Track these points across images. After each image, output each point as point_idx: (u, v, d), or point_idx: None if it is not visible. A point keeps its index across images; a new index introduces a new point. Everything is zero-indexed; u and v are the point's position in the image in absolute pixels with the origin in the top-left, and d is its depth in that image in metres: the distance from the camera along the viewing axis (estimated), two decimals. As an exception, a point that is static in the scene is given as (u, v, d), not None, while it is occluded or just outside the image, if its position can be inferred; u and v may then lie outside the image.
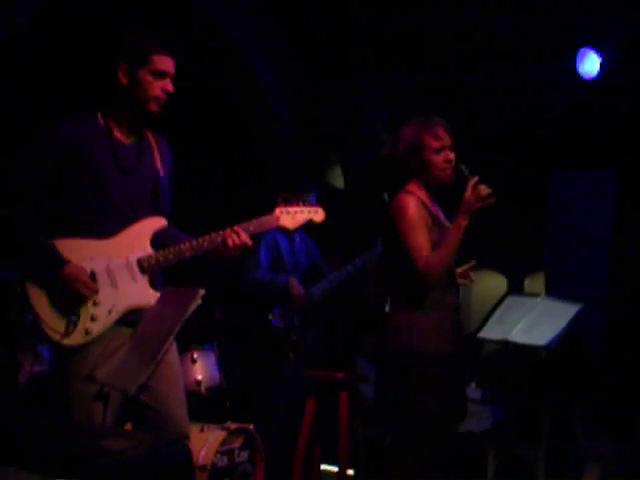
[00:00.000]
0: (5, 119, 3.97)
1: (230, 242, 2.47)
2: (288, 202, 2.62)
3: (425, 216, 2.68)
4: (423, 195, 2.73)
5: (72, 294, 2.34)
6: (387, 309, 2.78)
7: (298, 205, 2.63)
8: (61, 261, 2.33)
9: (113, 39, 2.49)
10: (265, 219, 2.57)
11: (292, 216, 2.60)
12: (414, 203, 2.67)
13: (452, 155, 2.73)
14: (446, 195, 2.81)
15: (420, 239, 2.63)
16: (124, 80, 2.43)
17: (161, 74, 2.44)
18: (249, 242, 2.50)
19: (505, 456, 4.06)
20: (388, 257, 2.78)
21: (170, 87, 2.45)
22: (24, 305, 2.36)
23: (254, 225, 2.54)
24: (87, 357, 2.34)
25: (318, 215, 2.66)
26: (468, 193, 2.63)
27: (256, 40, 5.30)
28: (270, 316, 4.05)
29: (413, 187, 2.73)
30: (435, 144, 2.71)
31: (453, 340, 2.70)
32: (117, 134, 2.47)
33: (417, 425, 2.68)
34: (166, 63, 2.44)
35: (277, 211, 2.59)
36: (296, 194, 3.94)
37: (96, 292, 2.36)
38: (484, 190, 2.62)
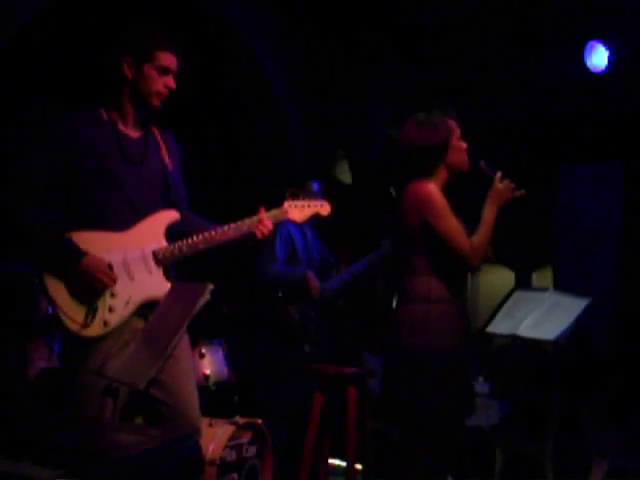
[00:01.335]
0: (9, 115, 3.99)
1: (259, 234, 2.54)
2: (296, 196, 2.66)
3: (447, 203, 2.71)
4: (441, 184, 2.75)
5: (92, 285, 2.36)
6: (395, 303, 2.78)
7: (305, 199, 2.71)
8: (78, 253, 2.35)
9: (118, 33, 2.51)
10: (274, 212, 2.62)
11: (300, 210, 2.67)
12: (437, 191, 2.70)
13: (465, 144, 2.80)
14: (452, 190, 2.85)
15: (456, 224, 2.67)
16: (129, 74, 2.45)
17: (165, 70, 2.47)
18: (271, 229, 2.58)
19: (513, 451, 4.06)
20: (405, 248, 2.75)
21: (172, 83, 2.49)
22: (42, 296, 2.37)
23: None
24: (97, 351, 2.35)
25: (324, 209, 2.73)
26: (499, 184, 2.72)
27: (263, 36, 5.30)
28: (290, 309, 4.06)
29: (434, 176, 2.74)
30: (458, 130, 2.78)
31: (463, 334, 2.72)
32: (122, 127, 2.50)
33: (428, 420, 2.67)
34: (170, 59, 2.48)
35: (286, 205, 2.66)
36: (301, 187, 3.99)
37: (115, 281, 2.38)
38: (511, 185, 2.72)
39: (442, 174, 2.76)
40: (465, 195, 2.73)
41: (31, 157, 2.40)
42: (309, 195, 3.82)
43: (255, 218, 2.55)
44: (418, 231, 2.67)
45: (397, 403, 2.73)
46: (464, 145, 2.79)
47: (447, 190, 2.77)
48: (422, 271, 2.68)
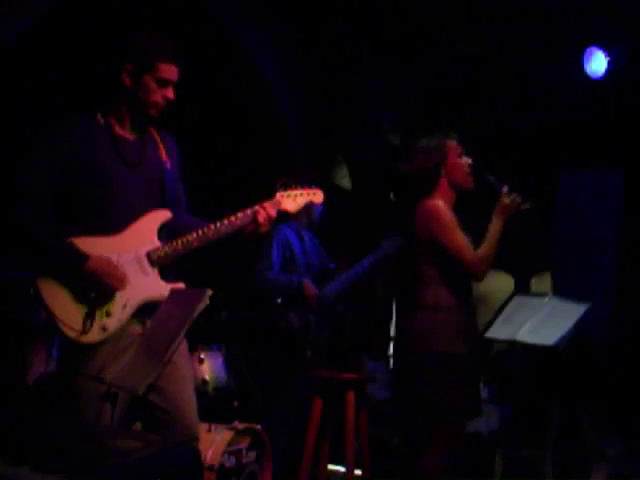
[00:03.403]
0: (10, 119, 3.99)
1: (260, 218, 2.51)
2: (287, 186, 2.61)
3: (455, 218, 2.87)
4: (447, 201, 2.91)
5: (99, 288, 2.35)
6: (404, 310, 2.93)
7: (297, 188, 2.64)
8: (82, 257, 2.34)
9: (121, 40, 2.49)
10: (267, 204, 2.58)
11: (293, 199, 2.63)
12: (445, 207, 2.86)
13: (470, 160, 2.94)
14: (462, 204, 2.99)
15: (463, 238, 2.83)
16: (127, 82, 2.44)
17: (165, 82, 2.45)
18: (274, 214, 2.55)
19: (513, 456, 4.06)
20: (416, 260, 2.90)
21: (171, 95, 2.47)
22: (38, 305, 2.36)
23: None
24: (96, 357, 2.35)
25: (317, 197, 2.69)
26: (506, 199, 2.85)
27: (263, 40, 5.30)
28: (290, 316, 4.05)
29: (437, 195, 2.90)
30: (458, 149, 2.94)
31: (471, 340, 2.89)
32: (119, 130, 2.48)
33: (440, 423, 2.82)
34: (171, 72, 2.46)
35: (278, 196, 2.61)
36: (297, 181, 3.96)
37: (124, 281, 2.37)
38: (518, 198, 2.85)
39: (447, 192, 2.91)
40: (475, 209, 2.83)
41: (31, 164, 2.39)
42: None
43: (250, 210, 2.52)
44: (428, 245, 2.84)
45: (406, 406, 2.89)
46: (466, 162, 2.93)
47: (459, 205, 2.94)
48: (431, 281, 2.85)
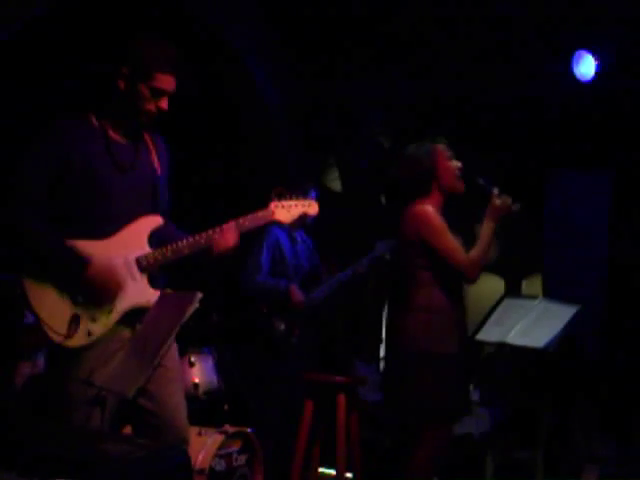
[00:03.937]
0: (8, 119, 3.97)
1: (216, 247, 2.47)
2: (282, 197, 2.61)
3: (444, 222, 2.92)
4: (436, 205, 2.95)
5: (97, 294, 2.34)
6: (398, 312, 2.96)
7: (292, 199, 2.64)
8: (83, 262, 2.32)
9: (122, 42, 2.46)
10: (260, 214, 2.58)
11: (287, 210, 2.62)
12: (433, 211, 2.90)
13: (459, 163, 2.98)
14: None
15: (454, 241, 2.88)
16: (122, 85, 2.42)
17: (160, 92, 2.43)
18: (233, 242, 2.50)
19: (503, 458, 4.07)
20: (408, 263, 2.94)
21: (165, 105, 2.45)
22: (24, 307, 2.34)
23: (249, 220, 2.55)
24: (85, 360, 2.33)
25: (312, 208, 2.68)
26: (497, 201, 2.89)
27: (253, 42, 5.31)
28: (274, 320, 4.03)
29: (427, 199, 2.94)
30: (448, 153, 2.98)
31: (462, 341, 2.95)
32: (112, 134, 2.46)
33: (426, 421, 2.87)
34: (168, 82, 2.43)
35: (272, 205, 2.60)
36: (292, 191, 3.95)
37: (122, 288, 2.36)
38: (509, 199, 2.88)
39: (437, 197, 2.95)
40: (464, 212, 2.86)
41: (29, 165, 2.37)
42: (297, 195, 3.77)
43: (242, 219, 2.52)
44: (419, 249, 2.88)
45: (396, 406, 2.95)
46: (455, 165, 2.96)
47: (448, 207, 2.97)
48: (424, 284, 2.89)
